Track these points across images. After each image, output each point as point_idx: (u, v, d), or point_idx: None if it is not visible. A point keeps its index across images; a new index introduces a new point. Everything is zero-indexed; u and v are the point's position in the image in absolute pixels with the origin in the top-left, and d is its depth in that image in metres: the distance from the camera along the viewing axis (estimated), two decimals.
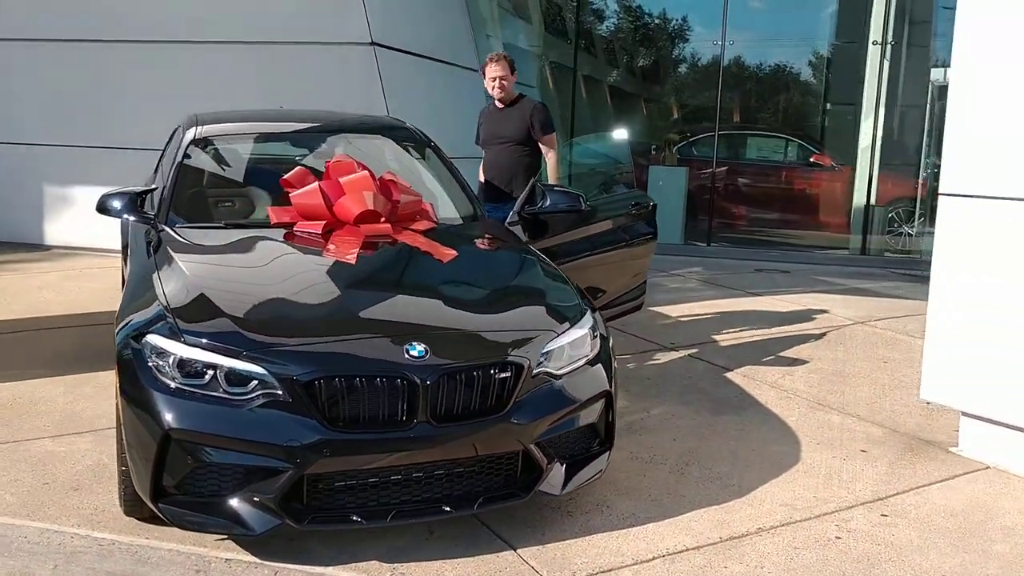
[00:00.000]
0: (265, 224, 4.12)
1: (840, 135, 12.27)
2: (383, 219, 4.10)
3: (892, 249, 11.30)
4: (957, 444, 4.44)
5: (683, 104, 14.22)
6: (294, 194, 4.12)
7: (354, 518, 3.09)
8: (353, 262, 3.62)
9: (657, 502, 3.76)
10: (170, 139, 5.67)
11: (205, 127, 4.65)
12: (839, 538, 3.50)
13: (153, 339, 3.15)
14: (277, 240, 3.93)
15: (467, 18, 10.98)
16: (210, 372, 3.05)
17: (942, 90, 11.20)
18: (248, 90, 8.07)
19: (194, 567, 3.15)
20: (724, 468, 4.13)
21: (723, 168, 11.55)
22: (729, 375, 5.55)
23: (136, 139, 8.87)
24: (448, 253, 3.86)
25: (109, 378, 5.19)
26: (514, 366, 3.22)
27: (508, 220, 4.72)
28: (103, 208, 4.24)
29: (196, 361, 3.06)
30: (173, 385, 3.05)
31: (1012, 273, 4.11)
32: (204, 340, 3.09)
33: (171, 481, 3.06)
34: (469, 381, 3.13)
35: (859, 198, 11.00)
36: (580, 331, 3.53)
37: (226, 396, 3.03)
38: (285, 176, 4.29)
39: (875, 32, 10.70)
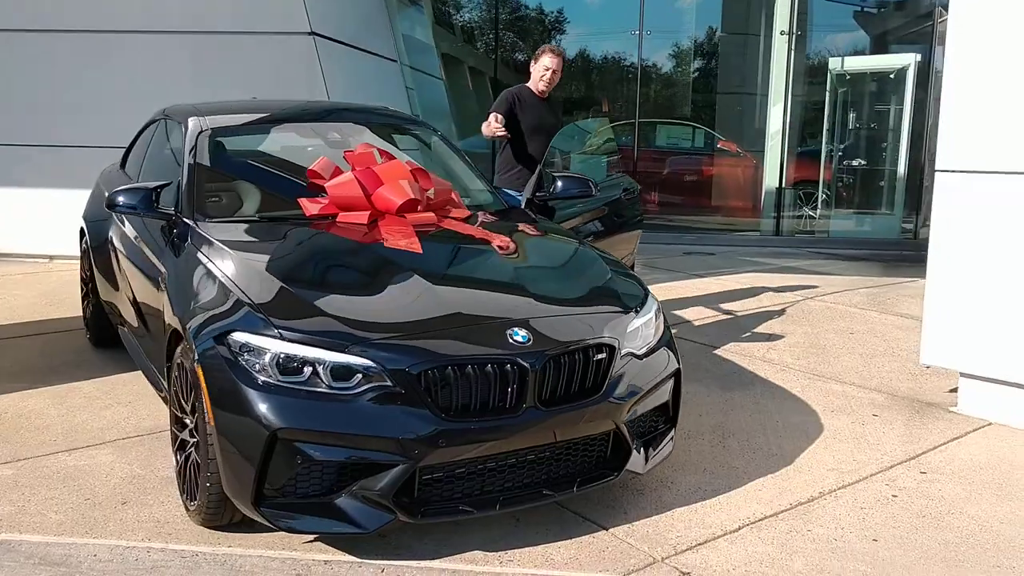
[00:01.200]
0: (300, 216, 3.97)
1: (746, 122, 12.79)
2: (420, 207, 4.03)
3: (799, 229, 11.91)
4: (956, 404, 4.75)
5: (603, 94, 14.50)
6: (329, 184, 3.99)
7: (464, 508, 3.05)
8: (420, 251, 3.54)
9: (714, 475, 3.87)
10: (142, 132, 5.39)
11: (209, 119, 4.43)
12: (895, 496, 3.69)
13: (243, 337, 3.00)
14: (329, 232, 3.80)
15: (385, 9, 10.85)
16: (309, 368, 2.94)
17: (840, 78, 11.87)
18: (186, 80, 7.72)
19: (293, 571, 3.03)
20: (759, 439, 4.28)
21: (642, 155, 11.85)
22: (718, 352, 5.73)
23: (59, 135, 8.34)
24: (504, 240, 3.83)
25: (94, 387, 4.96)
26: (608, 347, 3.25)
27: (522, 206, 4.72)
28: (113, 205, 3.99)
29: (297, 357, 2.94)
30: (273, 383, 2.92)
31: (1005, 240, 4.43)
32: (305, 335, 2.97)
33: (275, 483, 2.93)
34: (571, 364, 3.14)
35: (771, 182, 11.51)
36: (649, 312, 3.59)
37: (331, 391, 2.92)
38: (311, 167, 4.15)
39: (781, 22, 11.19)
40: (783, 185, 11.40)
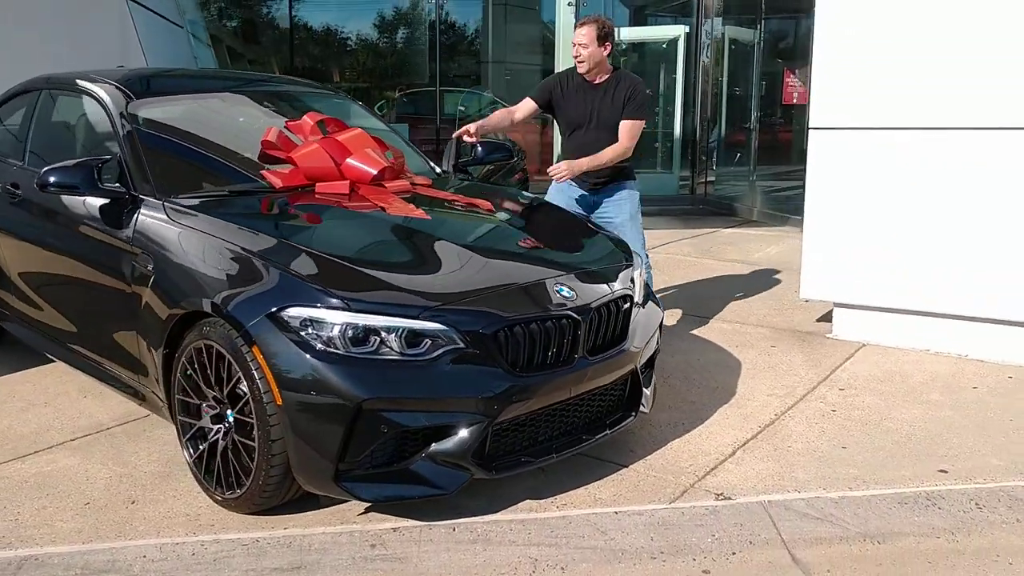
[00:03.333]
0: (269, 188, 3.81)
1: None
2: (389, 175, 4.01)
3: None
4: (831, 331, 5.46)
5: (399, 63, 14.43)
6: (297, 155, 3.86)
7: (526, 459, 3.17)
8: (429, 218, 3.55)
9: (681, 411, 4.23)
10: (6, 102, 4.81)
11: (127, 88, 4.07)
12: (835, 410, 4.26)
13: (302, 311, 2.90)
14: (323, 203, 3.68)
15: None
16: (376, 337, 2.91)
17: (617, 47, 12.70)
18: None
19: (367, 543, 3.01)
20: (696, 376, 4.71)
21: (444, 122, 12.05)
22: None
23: None
24: (487, 205, 3.91)
25: None
26: (629, 298, 3.49)
27: (443, 171, 4.77)
28: (47, 184, 3.60)
29: (366, 327, 2.89)
30: (345, 355, 2.87)
31: (868, 189, 5.15)
32: (373, 304, 2.93)
33: (354, 456, 2.89)
34: (607, 314, 3.35)
35: None
36: (639, 266, 3.86)
37: (405, 358, 2.92)
38: (263, 137, 3.99)
39: None
40: None
